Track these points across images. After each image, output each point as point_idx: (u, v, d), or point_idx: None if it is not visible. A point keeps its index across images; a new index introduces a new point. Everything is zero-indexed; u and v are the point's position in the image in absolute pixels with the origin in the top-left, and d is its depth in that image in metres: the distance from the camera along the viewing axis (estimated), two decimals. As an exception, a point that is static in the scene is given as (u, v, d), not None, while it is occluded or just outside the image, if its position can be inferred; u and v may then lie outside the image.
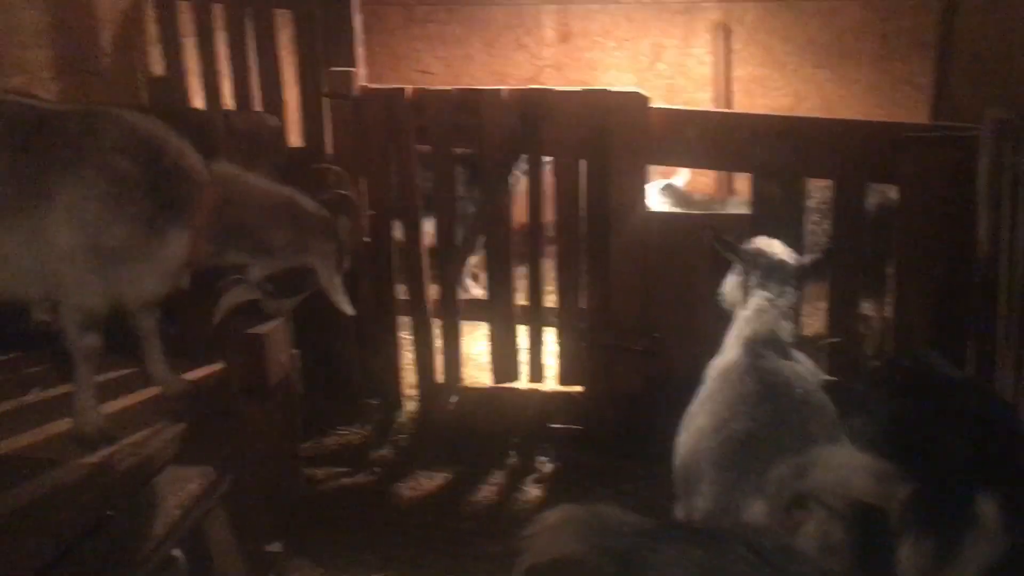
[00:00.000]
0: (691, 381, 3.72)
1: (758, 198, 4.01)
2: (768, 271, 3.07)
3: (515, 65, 6.51)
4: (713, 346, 3.16)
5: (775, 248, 3.16)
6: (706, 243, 3.38)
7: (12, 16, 3.83)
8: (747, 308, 3.07)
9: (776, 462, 2.23)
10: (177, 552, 3.06)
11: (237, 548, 3.41)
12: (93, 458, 2.88)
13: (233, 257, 3.12)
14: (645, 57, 6.32)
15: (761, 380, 2.63)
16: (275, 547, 3.56)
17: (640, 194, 4.01)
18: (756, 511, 2.19)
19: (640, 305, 4.13)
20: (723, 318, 3.32)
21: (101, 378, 3.19)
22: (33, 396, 3.30)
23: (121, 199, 2.80)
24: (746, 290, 3.13)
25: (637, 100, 3.93)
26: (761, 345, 2.86)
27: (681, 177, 5.38)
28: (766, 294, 3.05)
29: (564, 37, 6.40)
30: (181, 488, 3.05)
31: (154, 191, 2.86)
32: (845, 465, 2.13)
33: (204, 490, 3.15)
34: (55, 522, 2.59)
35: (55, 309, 3.02)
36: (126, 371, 3.43)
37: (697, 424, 2.70)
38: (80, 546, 2.65)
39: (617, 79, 6.31)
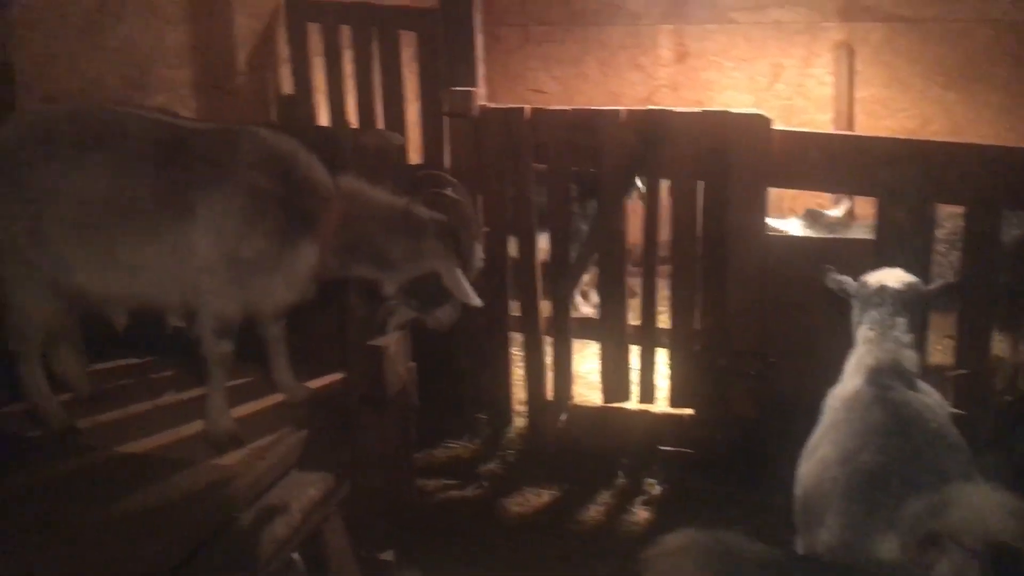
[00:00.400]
0: (807, 408, 3.64)
1: (883, 223, 3.90)
2: (889, 301, 3.00)
3: (630, 85, 6.52)
4: (830, 373, 3.10)
5: (897, 277, 3.08)
6: (819, 279, 3.31)
7: (159, 38, 4.05)
8: (868, 337, 2.99)
9: (909, 498, 2.16)
10: (295, 555, 3.16)
11: (352, 554, 3.49)
12: (224, 460, 3.00)
13: (357, 270, 3.21)
14: (763, 77, 6.24)
15: (890, 412, 2.56)
16: (387, 555, 3.62)
17: (760, 217, 3.95)
18: (887, 547, 2.12)
19: (757, 329, 4.06)
20: (841, 345, 3.26)
21: (228, 383, 3.33)
22: (167, 399, 3.45)
23: (257, 213, 2.93)
24: (867, 319, 3.05)
25: (759, 122, 3.88)
26: (886, 375, 2.78)
27: (841, 207, 5.23)
28: (888, 323, 2.97)
29: (680, 57, 6.37)
30: (302, 493, 3.13)
31: (287, 206, 2.98)
32: (982, 504, 2.05)
33: (323, 496, 3.24)
34: (187, 522, 2.70)
35: (190, 316, 3.16)
36: (249, 378, 3.55)
37: (821, 454, 2.63)
38: (209, 546, 2.76)
39: (734, 100, 6.24)
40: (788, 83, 6.20)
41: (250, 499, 2.95)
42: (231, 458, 3.02)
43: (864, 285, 3.05)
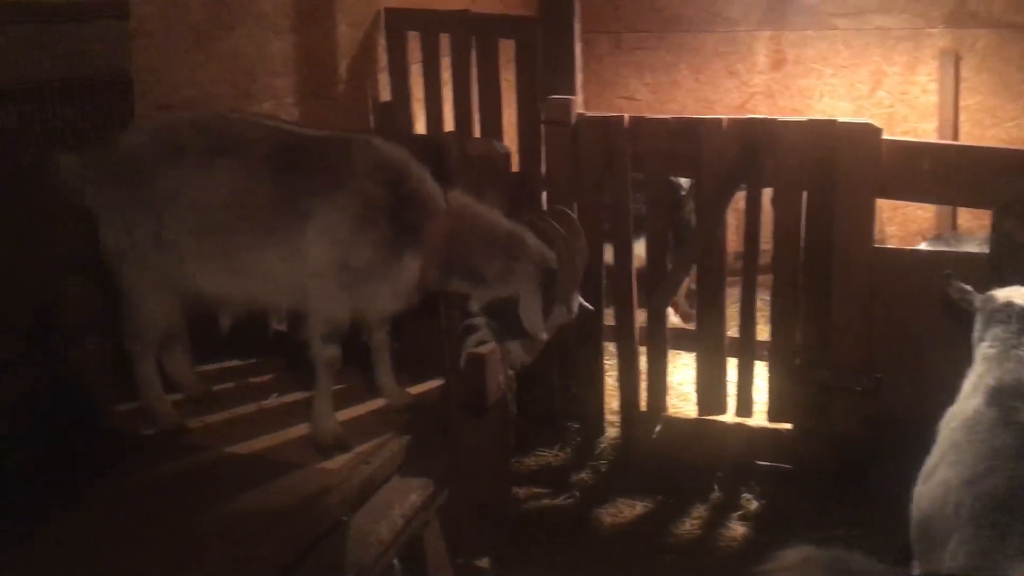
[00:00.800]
0: (914, 426, 3.53)
1: (997, 237, 3.76)
2: (1015, 318, 2.88)
3: (724, 92, 6.43)
4: (938, 391, 3.00)
5: (1021, 294, 2.96)
6: (940, 287, 3.20)
7: (265, 47, 4.14)
8: (988, 355, 2.88)
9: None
10: (395, 561, 3.18)
11: (449, 561, 3.50)
12: (330, 464, 3.04)
13: (455, 285, 3.21)
14: (864, 85, 6.09)
15: (1017, 435, 2.46)
16: (483, 562, 3.63)
17: (868, 228, 3.85)
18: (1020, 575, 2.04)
19: (862, 344, 3.96)
20: (952, 362, 3.15)
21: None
22: (272, 401, 3.52)
23: (367, 222, 2.96)
24: (989, 336, 2.94)
25: (869, 132, 3.79)
26: (1008, 396, 2.68)
27: None
28: (1012, 341, 2.85)
29: (777, 64, 6.26)
30: (404, 498, 3.15)
31: (395, 216, 3.01)
32: None
33: (424, 501, 3.26)
34: (296, 524, 2.74)
35: (296, 320, 3.22)
36: (352, 382, 3.60)
37: (941, 477, 2.54)
38: (318, 548, 2.80)
39: (831, 108, 6.11)
40: (890, 91, 6.03)
41: (357, 503, 2.98)
42: (338, 462, 3.06)
43: (990, 299, 2.94)
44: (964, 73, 5.85)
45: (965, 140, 5.75)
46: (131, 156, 3.02)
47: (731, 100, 6.40)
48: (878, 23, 5.99)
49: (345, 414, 3.33)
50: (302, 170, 2.96)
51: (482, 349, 3.41)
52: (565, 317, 3.27)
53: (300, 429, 3.29)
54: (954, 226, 5.93)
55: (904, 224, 6.04)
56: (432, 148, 3.43)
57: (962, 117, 5.89)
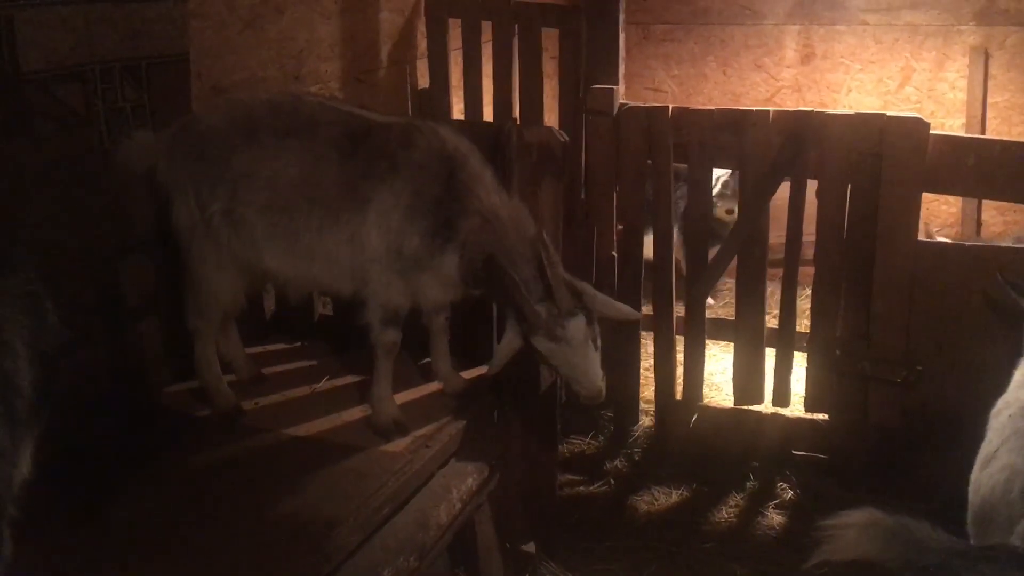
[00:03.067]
0: (952, 418, 3.58)
1: (1041, 232, 3.80)
2: None
3: (751, 85, 6.45)
4: (977, 383, 3.04)
5: None
6: (994, 283, 3.23)
7: (314, 32, 4.15)
8: None
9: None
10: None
11: (498, 545, 3.54)
12: (392, 447, 3.07)
13: (482, 286, 3.12)
14: (892, 80, 6.11)
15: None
16: (529, 547, 3.67)
17: (914, 222, 3.88)
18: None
19: (902, 336, 4.00)
20: (993, 356, 3.19)
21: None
22: (324, 384, 3.54)
23: (416, 211, 2.97)
24: None
25: (917, 126, 3.81)
26: None
27: None
28: None
29: (806, 58, 6.29)
30: (461, 482, 3.19)
31: (440, 208, 2.99)
32: None
33: (479, 486, 3.30)
34: (361, 507, 2.77)
35: (357, 304, 3.22)
36: (406, 367, 3.62)
37: (1005, 462, 2.58)
38: (382, 531, 2.82)
39: (858, 102, 6.13)
40: (918, 87, 6.06)
41: (418, 486, 3.01)
42: (398, 445, 3.09)
43: None
44: (993, 70, 5.88)
45: (993, 137, 5.78)
46: (207, 133, 3.05)
47: (758, 94, 6.42)
48: (908, 19, 6.01)
49: (402, 397, 3.35)
50: (366, 155, 2.97)
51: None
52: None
53: (356, 412, 3.32)
54: (979, 222, 5.98)
55: (928, 218, 6.06)
56: (493, 135, 3.44)
57: (990, 114, 5.93)
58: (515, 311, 2.98)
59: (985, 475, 2.65)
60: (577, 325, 2.92)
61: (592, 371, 3.01)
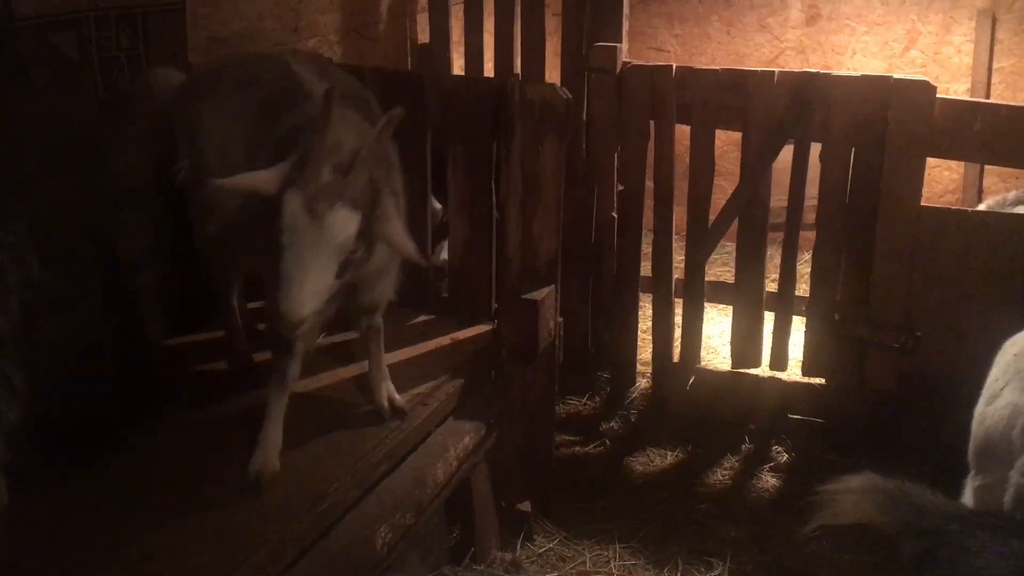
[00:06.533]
0: (949, 383, 3.59)
1: (1046, 199, 3.78)
2: None
3: (755, 46, 6.37)
4: (975, 349, 3.06)
5: None
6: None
7: (313, -18, 4.07)
8: None
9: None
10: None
11: (494, 503, 3.55)
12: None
13: None
14: (897, 44, 6.03)
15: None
16: (525, 506, 3.68)
17: (917, 187, 3.85)
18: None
19: (901, 301, 3.99)
20: (991, 322, 3.21)
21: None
22: (322, 340, 3.50)
23: None
24: None
25: (924, 89, 3.77)
26: None
27: None
28: None
29: (811, 19, 6.20)
30: (459, 441, 3.19)
31: None
32: None
33: (476, 445, 3.30)
34: (361, 463, 2.76)
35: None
36: (405, 324, 3.59)
37: (1009, 399, 2.64)
38: (379, 487, 2.82)
39: (863, 64, 6.06)
40: (924, 50, 5.99)
41: (415, 443, 3.01)
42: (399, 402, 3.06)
43: None
44: (1000, 35, 5.80)
45: (999, 102, 5.72)
46: (192, 82, 2.98)
47: (762, 55, 6.34)
48: (916, -19, 5.94)
49: (401, 355, 3.33)
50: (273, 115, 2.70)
51: (535, 294, 3.43)
52: None
53: (354, 369, 3.29)
54: (980, 188, 5.94)
55: (929, 184, 6.01)
56: (494, 91, 3.39)
57: (995, 79, 5.86)
58: None
59: (990, 410, 2.73)
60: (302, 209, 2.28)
61: (296, 280, 2.27)
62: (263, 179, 2.37)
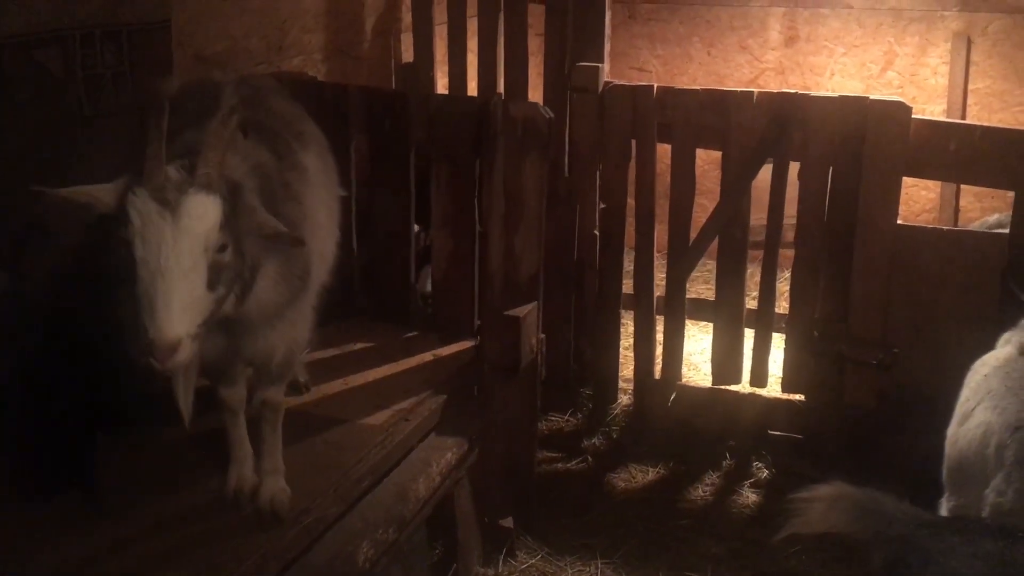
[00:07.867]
0: (929, 400, 3.63)
1: (1019, 218, 3.84)
2: None
3: (735, 67, 6.45)
4: (952, 366, 3.11)
5: None
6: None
7: (298, 2, 4.11)
8: None
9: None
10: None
11: (476, 519, 3.56)
12: (373, 420, 3.07)
13: None
14: (875, 65, 6.13)
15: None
16: (507, 522, 3.69)
17: (893, 206, 3.91)
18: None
19: (879, 319, 4.04)
20: (968, 339, 3.26)
21: (362, 346, 3.38)
22: (304, 356, 3.51)
23: None
24: None
25: (900, 110, 3.83)
26: None
27: None
28: None
29: (790, 41, 6.29)
30: (441, 456, 3.21)
31: None
32: None
33: (458, 460, 3.31)
34: (344, 477, 2.77)
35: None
36: (386, 340, 3.62)
37: (981, 419, 2.68)
38: (360, 503, 2.83)
39: (841, 86, 6.14)
40: (901, 72, 6.08)
41: (398, 459, 3.02)
42: (379, 418, 3.09)
43: None
44: (975, 57, 5.90)
45: (974, 122, 5.81)
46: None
47: (742, 75, 6.42)
48: (892, 4, 6.02)
49: (383, 371, 3.35)
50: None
51: (519, 311, 3.45)
52: None
53: (336, 385, 3.31)
54: (956, 207, 6.02)
55: (907, 203, 6.10)
56: (477, 110, 3.42)
57: (970, 100, 5.96)
58: None
59: (962, 431, 2.77)
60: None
61: (160, 291, 1.94)
62: (103, 189, 2.07)
